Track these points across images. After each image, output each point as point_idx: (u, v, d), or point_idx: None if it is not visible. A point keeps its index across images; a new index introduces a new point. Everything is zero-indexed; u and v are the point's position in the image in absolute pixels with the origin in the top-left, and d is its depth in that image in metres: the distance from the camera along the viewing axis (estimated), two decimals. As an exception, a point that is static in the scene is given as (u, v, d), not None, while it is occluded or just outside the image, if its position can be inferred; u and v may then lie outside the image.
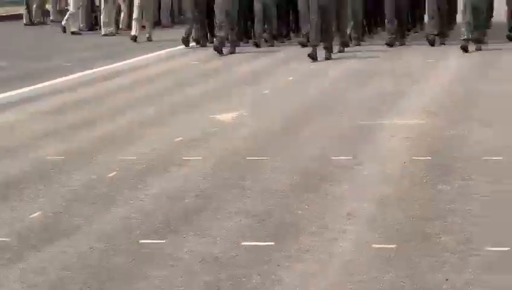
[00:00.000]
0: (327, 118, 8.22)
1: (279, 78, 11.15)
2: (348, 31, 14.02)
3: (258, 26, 14.96)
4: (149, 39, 16.71)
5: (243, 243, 4.61)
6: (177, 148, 7.04)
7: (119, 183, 5.95)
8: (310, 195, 5.51)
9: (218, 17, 13.97)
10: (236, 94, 9.91)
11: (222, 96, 9.77)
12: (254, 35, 15.24)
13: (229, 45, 14.08)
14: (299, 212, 5.17)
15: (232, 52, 14.04)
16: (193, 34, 15.21)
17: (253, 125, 8.00)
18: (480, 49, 12.89)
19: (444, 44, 13.95)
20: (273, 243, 4.59)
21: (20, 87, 10.68)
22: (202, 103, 9.32)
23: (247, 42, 15.45)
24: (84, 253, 4.50)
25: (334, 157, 6.50)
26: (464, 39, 12.78)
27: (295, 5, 14.84)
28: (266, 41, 14.98)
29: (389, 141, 7.10)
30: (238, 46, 14.45)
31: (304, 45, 13.85)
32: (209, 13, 15.18)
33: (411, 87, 9.92)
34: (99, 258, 4.43)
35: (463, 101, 8.98)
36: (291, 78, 11.10)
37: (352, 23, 14.22)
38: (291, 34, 16.20)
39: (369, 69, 11.77)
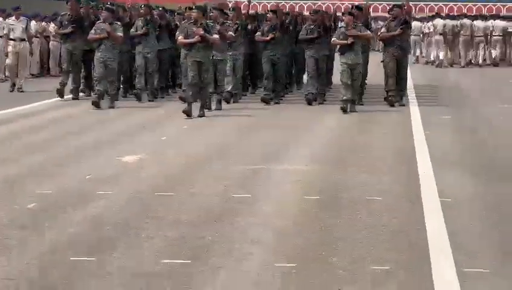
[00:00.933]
0: (223, 162, 8.99)
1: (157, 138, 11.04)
2: (229, 88, 14.40)
3: (139, 80, 15.01)
4: (19, 90, 16.68)
5: (163, 261, 5.29)
6: (89, 184, 7.64)
7: (41, 213, 6.51)
8: (217, 225, 6.24)
9: (98, 70, 14.00)
10: (134, 140, 10.52)
11: (121, 142, 10.36)
12: (135, 89, 15.16)
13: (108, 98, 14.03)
14: (209, 238, 5.88)
15: (112, 106, 13.93)
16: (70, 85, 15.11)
17: (156, 166, 8.69)
18: (355, 111, 13.56)
19: (322, 103, 14.77)
20: (189, 261, 5.29)
21: None
22: (103, 146, 9.94)
23: (126, 96, 15.48)
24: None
25: (234, 195, 7.26)
26: (343, 100, 13.53)
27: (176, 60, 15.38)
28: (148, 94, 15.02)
29: (282, 182, 7.93)
30: (117, 100, 14.36)
31: (184, 100, 13.65)
32: (88, 65, 15.40)
33: (297, 139, 10.80)
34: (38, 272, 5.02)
35: (345, 150, 9.94)
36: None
37: (232, 79, 14.58)
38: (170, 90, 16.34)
39: (255, 123, 12.56)
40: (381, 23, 26.52)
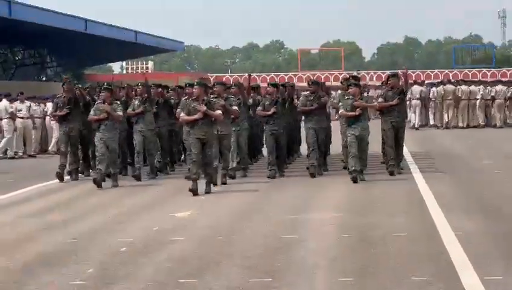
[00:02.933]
0: (261, 215, 10.47)
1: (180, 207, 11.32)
2: (234, 164, 14.34)
3: (138, 159, 14.82)
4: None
5: (250, 280, 6.76)
6: (161, 234, 9.12)
7: (132, 255, 7.98)
8: (279, 256, 7.72)
9: (99, 150, 13.80)
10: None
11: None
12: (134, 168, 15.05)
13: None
14: (278, 264, 7.36)
15: (115, 185, 13.85)
16: (67, 167, 15.08)
17: (207, 219, 10.18)
18: (364, 180, 13.52)
19: (322, 174, 14.70)
20: (270, 279, 6.76)
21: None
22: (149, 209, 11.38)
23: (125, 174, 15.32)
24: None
25: (283, 236, 8.77)
26: (352, 170, 13.44)
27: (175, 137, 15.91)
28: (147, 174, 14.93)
29: (318, 226, 9.43)
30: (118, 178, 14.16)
31: (188, 178, 13.36)
32: (85, 146, 15.40)
33: (312, 205, 12.09)
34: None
35: (364, 202, 11.45)
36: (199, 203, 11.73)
37: (235, 155, 14.54)
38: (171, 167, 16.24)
39: (264, 198, 12.35)
40: (374, 91, 28.48)
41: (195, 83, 13.33)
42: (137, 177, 14.54)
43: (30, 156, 21.48)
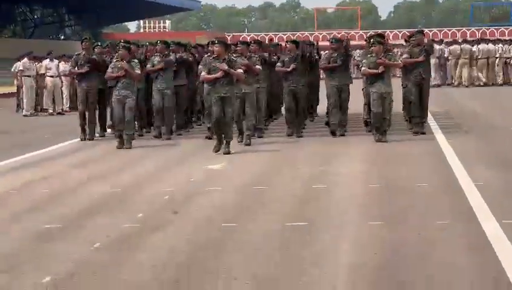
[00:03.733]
0: (288, 168, 11.11)
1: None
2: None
3: (157, 117, 14.90)
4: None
5: (286, 223, 7.36)
6: (198, 184, 9.74)
7: (174, 202, 8.61)
8: (312, 204, 8.33)
9: (116, 110, 13.83)
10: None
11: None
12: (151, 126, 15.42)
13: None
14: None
15: (128, 147, 13.66)
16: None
17: (239, 173, 10.79)
18: (386, 141, 13.40)
19: (344, 135, 14.55)
20: (305, 223, 7.36)
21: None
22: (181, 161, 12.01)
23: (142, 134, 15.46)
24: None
25: (313, 186, 9.37)
26: (375, 130, 13.53)
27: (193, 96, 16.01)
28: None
29: (345, 177, 10.02)
30: (134, 139, 14.12)
31: (209, 138, 14.07)
32: (102, 105, 15.52)
33: (343, 153, 12.81)
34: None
35: (388, 162, 11.99)
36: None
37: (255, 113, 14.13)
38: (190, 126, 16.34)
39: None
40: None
41: (216, 42, 13.25)
42: (158, 137, 14.72)
43: (59, 113, 22.14)
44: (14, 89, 24.74)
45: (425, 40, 15.02)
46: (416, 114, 14.49)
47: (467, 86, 29.61)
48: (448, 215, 7.65)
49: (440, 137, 14.01)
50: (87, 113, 15.16)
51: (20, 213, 8.38)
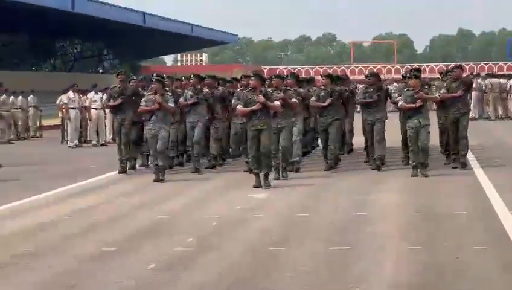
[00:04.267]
0: (329, 198, 11.52)
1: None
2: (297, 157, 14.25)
3: (195, 151, 14.83)
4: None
5: (330, 248, 7.76)
6: (244, 212, 10.20)
7: (223, 228, 9.05)
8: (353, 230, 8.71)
9: (151, 145, 13.85)
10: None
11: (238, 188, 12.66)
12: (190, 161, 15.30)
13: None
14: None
15: (162, 179, 13.69)
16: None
17: (280, 202, 11.22)
18: (427, 175, 13.28)
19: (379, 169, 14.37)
20: (348, 248, 7.74)
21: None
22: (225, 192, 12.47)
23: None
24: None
25: (353, 213, 9.77)
26: (413, 165, 13.45)
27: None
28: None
29: (384, 206, 10.39)
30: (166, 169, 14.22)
31: (250, 171, 13.63)
32: (136, 137, 15.38)
33: (381, 185, 13.18)
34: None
35: (426, 192, 12.33)
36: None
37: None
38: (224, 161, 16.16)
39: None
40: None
41: (252, 75, 13.21)
42: (197, 171, 14.66)
43: (102, 144, 22.78)
44: (57, 122, 25.46)
45: (464, 75, 14.91)
46: (455, 149, 14.40)
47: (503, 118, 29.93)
48: (485, 240, 8.02)
49: (476, 167, 14.30)
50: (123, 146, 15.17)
51: (74, 237, 8.87)
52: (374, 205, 10.64)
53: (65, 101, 22.94)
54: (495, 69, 58.10)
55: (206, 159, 15.56)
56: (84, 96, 23.41)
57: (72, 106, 22.84)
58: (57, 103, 23.87)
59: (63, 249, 8.18)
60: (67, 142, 23.16)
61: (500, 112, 30.46)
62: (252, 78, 12.93)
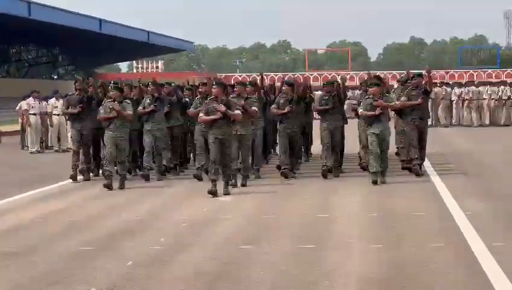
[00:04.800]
0: (291, 202, 11.98)
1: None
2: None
3: (147, 159, 14.74)
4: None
5: (297, 246, 8.24)
6: (211, 214, 10.64)
7: (193, 228, 9.49)
8: (319, 229, 9.21)
9: (108, 150, 13.75)
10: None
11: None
12: (142, 168, 15.02)
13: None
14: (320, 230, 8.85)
15: (122, 187, 13.63)
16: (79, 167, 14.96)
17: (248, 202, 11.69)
18: (385, 182, 13.49)
19: (338, 176, 14.52)
20: (314, 246, 8.23)
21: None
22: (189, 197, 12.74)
23: (135, 174, 15.28)
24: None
25: (318, 215, 10.28)
26: (373, 172, 13.47)
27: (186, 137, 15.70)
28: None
29: (346, 208, 10.93)
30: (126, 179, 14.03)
31: (199, 179, 14.13)
32: (96, 144, 15.34)
33: (341, 193, 13.72)
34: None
35: (385, 196, 12.90)
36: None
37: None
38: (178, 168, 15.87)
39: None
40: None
41: (214, 83, 13.13)
42: (146, 177, 14.45)
43: (64, 151, 22.85)
44: (13, 128, 25.50)
45: (423, 82, 14.99)
46: (414, 157, 14.43)
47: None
48: (442, 239, 8.58)
49: (432, 173, 14.77)
50: (81, 153, 15.07)
51: (52, 238, 9.25)
52: (334, 207, 11.15)
53: (25, 108, 23.08)
54: (447, 77, 59.20)
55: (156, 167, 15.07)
56: (45, 103, 23.55)
57: (32, 112, 23.01)
58: (17, 109, 24.02)
59: (44, 250, 8.54)
60: (27, 148, 23.30)
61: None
62: (214, 86, 12.87)
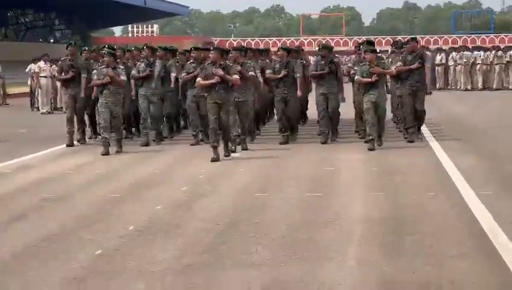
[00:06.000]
0: (296, 160, 12.92)
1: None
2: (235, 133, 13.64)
3: (145, 124, 14.74)
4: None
5: (306, 194, 9.19)
6: (208, 179, 10.80)
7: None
8: (326, 179, 10.16)
9: (102, 116, 13.72)
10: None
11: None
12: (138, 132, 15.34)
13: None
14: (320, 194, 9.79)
15: (119, 151, 13.67)
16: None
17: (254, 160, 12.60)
18: (381, 145, 13.60)
19: (335, 140, 14.73)
20: (321, 194, 9.17)
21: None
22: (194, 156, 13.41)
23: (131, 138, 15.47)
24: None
25: (325, 168, 11.23)
26: (369, 139, 13.51)
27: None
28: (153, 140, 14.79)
29: (348, 162, 11.87)
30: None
31: (194, 144, 14.31)
32: (92, 109, 15.32)
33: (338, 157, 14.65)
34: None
35: (382, 152, 13.82)
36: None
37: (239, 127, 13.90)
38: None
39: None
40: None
41: (212, 48, 13.25)
42: (146, 144, 14.48)
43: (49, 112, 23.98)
44: (13, 90, 26.26)
45: (419, 46, 14.80)
46: (411, 123, 14.43)
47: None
48: (436, 188, 9.57)
49: (431, 141, 14.63)
50: (75, 119, 15.08)
51: (83, 186, 10.24)
52: (338, 163, 12.07)
53: (36, 70, 23.99)
54: (441, 42, 60.02)
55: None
56: (54, 66, 24.37)
57: (43, 75, 23.97)
58: (27, 71, 25.01)
59: (80, 195, 9.59)
60: (37, 109, 24.18)
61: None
62: (212, 51, 12.79)
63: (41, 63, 24.17)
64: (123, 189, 9.96)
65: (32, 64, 24.53)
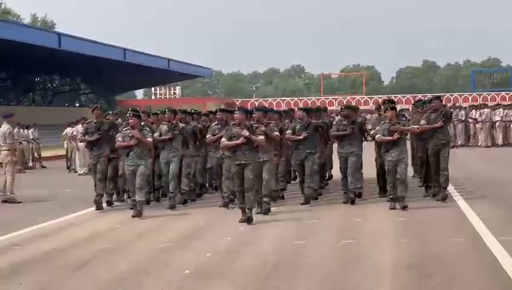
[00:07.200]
0: (322, 225, 13.74)
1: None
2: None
3: (172, 187, 14.54)
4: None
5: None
6: (238, 239, 11.27)
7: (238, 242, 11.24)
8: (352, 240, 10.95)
9: (130, 181, 13.68)
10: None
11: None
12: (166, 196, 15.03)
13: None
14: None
15: (139, 215, 13.31)
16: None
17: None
18: (406, 207, 13.21)
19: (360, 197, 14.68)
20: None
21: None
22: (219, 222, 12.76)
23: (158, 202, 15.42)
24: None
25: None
26: (390, 199, 13.43)
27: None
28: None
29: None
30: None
31: (225, 206, 14.14)
32: (114, 172, 15.17)
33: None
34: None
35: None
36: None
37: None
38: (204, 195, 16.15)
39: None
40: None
41: (236, 109, 13.13)
42: (172, 207, 14.36)
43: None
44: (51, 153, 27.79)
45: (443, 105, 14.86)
46: (436, 181, 14.39)
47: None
48: (461, 235, 10.43)
49: (460, 201, 14.19)
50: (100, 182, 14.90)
51: (131, 240, 11.12)
52: (364, 215, 12.81)
53: (74, 133, 24.95)
54: (460, 100, 60.91)
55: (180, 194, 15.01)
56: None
57: (80, 138, 25.03)
58: (63, 134, 26.16)
59: (130, 246, 10.48)
60: (74, 171, 25.24)
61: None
62: (237, 112, 12.70)
63: (79, 127, 25.14)
64: (170, 240, 10.88)
65: (69, 128, 25.66)
